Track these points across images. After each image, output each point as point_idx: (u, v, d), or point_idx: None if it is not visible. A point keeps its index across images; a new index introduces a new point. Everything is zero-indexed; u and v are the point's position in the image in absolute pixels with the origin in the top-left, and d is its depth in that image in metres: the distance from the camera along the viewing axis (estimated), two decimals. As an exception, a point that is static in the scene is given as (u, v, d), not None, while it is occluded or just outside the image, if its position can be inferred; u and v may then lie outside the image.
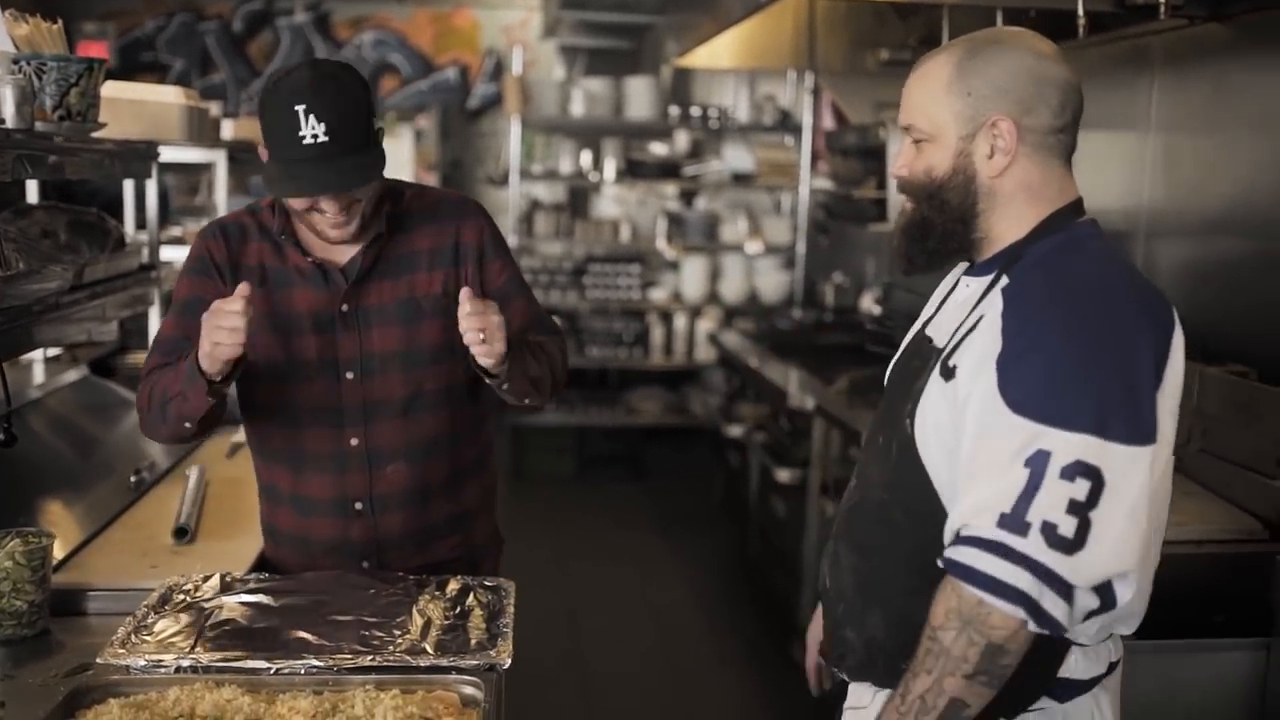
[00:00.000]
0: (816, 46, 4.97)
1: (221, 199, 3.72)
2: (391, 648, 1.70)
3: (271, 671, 1.64)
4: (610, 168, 6.42)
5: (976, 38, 1.49)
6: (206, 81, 7.64)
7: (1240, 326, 2.78)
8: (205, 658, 1.66)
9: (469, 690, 1.64)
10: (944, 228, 1.50)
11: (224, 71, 7.71)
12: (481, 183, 8.53)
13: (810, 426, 4.00)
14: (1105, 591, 1.34)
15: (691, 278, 6.55)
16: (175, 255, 3.96)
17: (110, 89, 2.59)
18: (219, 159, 3.66)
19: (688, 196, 6.96)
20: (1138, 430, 1.34)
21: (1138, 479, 1.33)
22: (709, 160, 6.56)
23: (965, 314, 1.50)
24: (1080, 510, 1.31)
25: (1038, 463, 1.32)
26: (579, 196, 7.26)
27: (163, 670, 1.64)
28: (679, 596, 4.74)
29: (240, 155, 4.02)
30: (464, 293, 1.81)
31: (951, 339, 1.50)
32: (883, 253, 5.01)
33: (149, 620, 1.77)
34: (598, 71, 7.20)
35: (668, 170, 6.51)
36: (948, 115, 1.47)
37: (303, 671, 1.64)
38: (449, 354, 2.00)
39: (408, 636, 1.74)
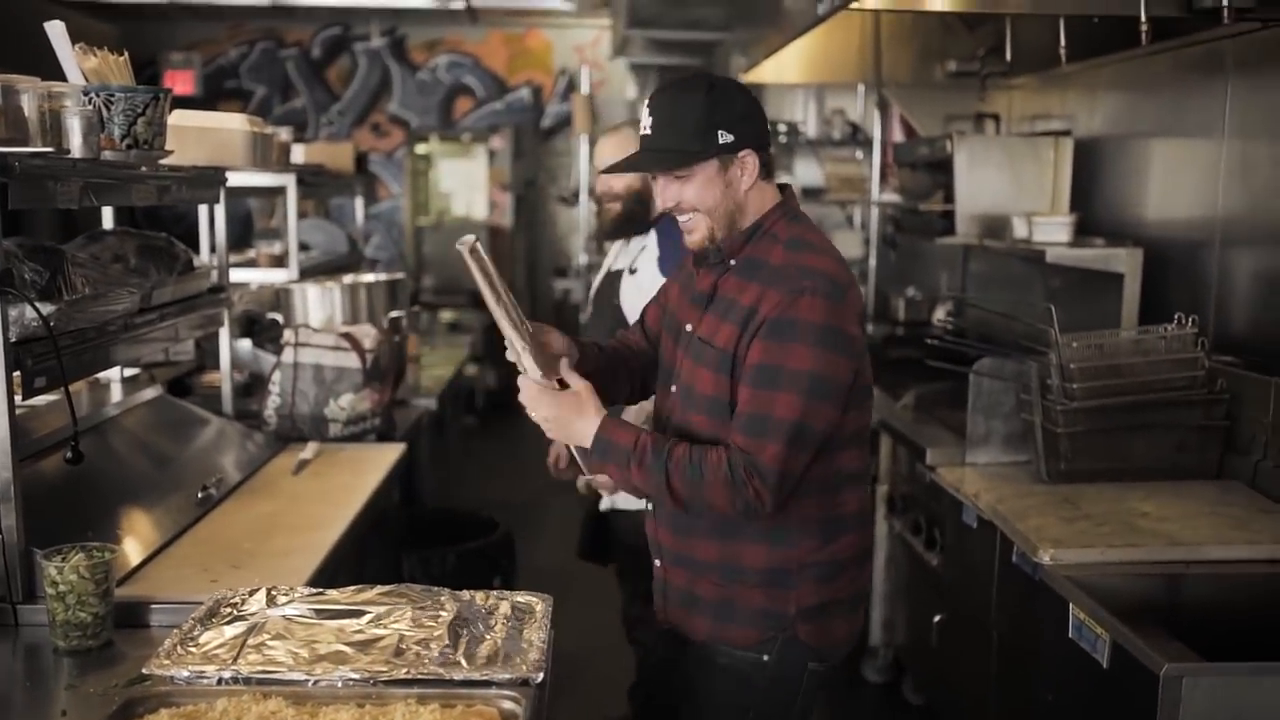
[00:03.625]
0: (883, 59, 4.92)
1: (292, 222, 3.81)
2: (427, 661, 1.71)
3: (310, 684, 1.67)
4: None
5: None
6: (288, 106, 7.85)
7: (1318, 338, 2.68)
8: (245, 669, 1.69)
9: (508, 705, 1.64)
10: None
11: (304, 96, 7.90)
12: (554, 202, 8.60)
13: (876, 442, 3.94)
14: None
15: (763, 293, 6.52)
16: (249, 277, 4.08)
17: (177, 117, 2.67)
18: (289, 183, 3.75)
19: (759, 211, 6.93)
20: None
21: None
22: (779, 175, 6.53)
23: None
24: None
25: None
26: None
27: (205, 681, 1.67)
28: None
29: (310, 179, 4.11)
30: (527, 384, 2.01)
31: None
32: (954, 266, 4.93)
33: (195, 632, 1.81)
34: (668, 89, 7.23)
35: (738, 185, 6.49)
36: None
37: (340, 684, 1.67)
38: (717, 409, 1.98)
39: (442, 648, 1.75)
